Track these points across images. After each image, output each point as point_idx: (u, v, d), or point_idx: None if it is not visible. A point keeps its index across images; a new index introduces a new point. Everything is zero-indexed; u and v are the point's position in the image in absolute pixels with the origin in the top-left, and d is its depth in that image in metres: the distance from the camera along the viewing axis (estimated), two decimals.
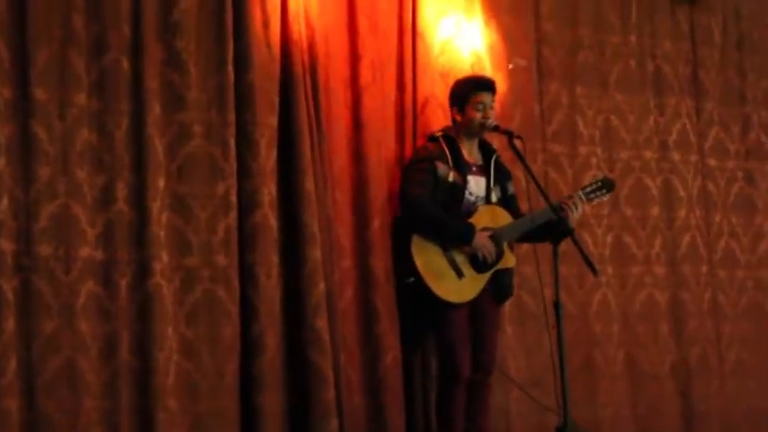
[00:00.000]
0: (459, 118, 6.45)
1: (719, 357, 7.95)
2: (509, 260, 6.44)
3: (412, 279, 6.24)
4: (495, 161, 6.51)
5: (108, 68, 5.79)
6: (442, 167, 6.30)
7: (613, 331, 7.49)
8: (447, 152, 6.36)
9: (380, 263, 6.44)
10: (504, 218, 6.40)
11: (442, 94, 6.68)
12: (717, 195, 8.17)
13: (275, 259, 6.07)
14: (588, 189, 6.51)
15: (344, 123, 6.52)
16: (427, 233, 6.23)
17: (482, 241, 6.24)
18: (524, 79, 7.29)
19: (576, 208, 6.34)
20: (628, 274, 7.65)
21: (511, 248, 6.46)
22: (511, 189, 6.59)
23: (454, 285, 6.25)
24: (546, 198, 6.15)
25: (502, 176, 6.55)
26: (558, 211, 6.23)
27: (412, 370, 6.57)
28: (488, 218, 6.35)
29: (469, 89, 6.45)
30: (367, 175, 6.50)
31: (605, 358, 7.43)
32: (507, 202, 6.54)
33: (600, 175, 7.12)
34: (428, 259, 6.23)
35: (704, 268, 7.98)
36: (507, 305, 6.81)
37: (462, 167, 6.37)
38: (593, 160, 7.57)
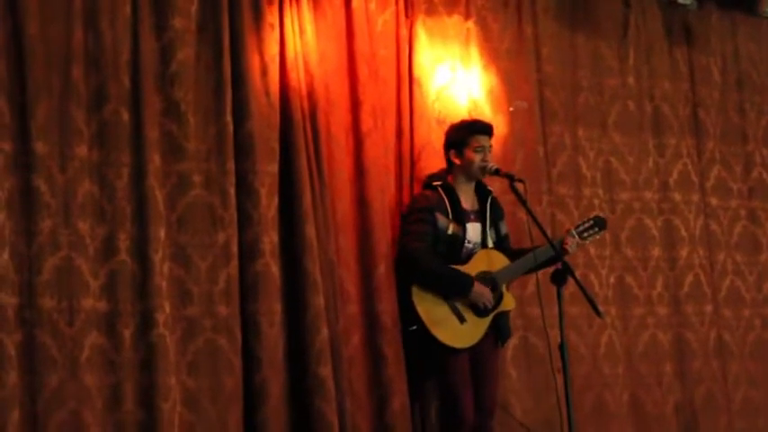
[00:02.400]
0: (458, 161, 6.46)
1: (727, 396, 7.92)
2: (508, 303, 6.46)
3: (415, 327, 6.24)
4: (491, 202, 6.52)
5: (108, 120, 5.80)
6: (441, 219, 6.33)
7: (618, 373, 7.46)
8: (446, 202, 6.38)
9: (387, 307, 6.42)
10: (500, 261, 6.41)
11: (438, 141, 6.68)
12: (720, 234, 8.16)
13: (278, 307, 6.07)
14: (581, 228, 6.54)
15: (347, 170, 6.53)
16: (426, 286, 6.24)
17: (480, 291, 6.25)
18: (525, 121, 7.31)
19: (573, 247, 6.44)
20: (630, 315, 7.63)
21: (508, 290, 6.48)
22: (504, 229, 6.60)
23: (457, 331, 6.25)
24: (549, 240, 6.14)
25: (496, 217, 6.56)
26: (559, 248, 6.28)
27: (412, 416, 6.52)
28: (485, 262, 6.36)
29: (468, 132, 6.47)
30: (371, 220, 6.49)
31: (614, 400, 7.39)
32: (501, 242, 6.55)
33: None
34: (430, 306, 6.24)
35: (709, 307, 7.96)
36: (513, 348, 6.80)
37: (461, 216, 6.39)
38: (596, 201, 7.58)
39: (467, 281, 6.24)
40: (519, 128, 7.25)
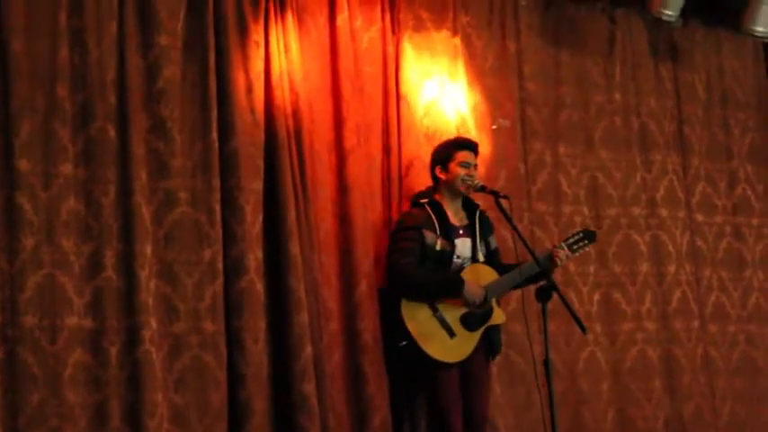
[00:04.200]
0: (443, 176, 6.49)
1: (714, 412, 7.92)
2: (499, 316, 6.46)
3: (405, 342, 6.23)
4: (480, 217, 6.55)
5: (94, 137, 5.81)
6: (429, 236, 6.34)
7: (602, 389, 7.47)
8: (434, 218, 6.39)
9: (368, 325, 6.44)
10: (488, 275, 6.42)
11: (426, 156, 6.70)
12: (706, 251, 8.19)
13: (262, 325, 6.08)
14: (571, 241, 6.55)
15: (330, 187, 6.54)
16: (419, 298, 6.25)
17: (472, 288, 6.27)
18: (508, 139, 7.33)
19: (563, 260, 6.44)
20: (618, 330, 7.64)
21: (498, 304, 6.48)
22: (493, 243, 6.63)
23: (447, 345, 6.26)
24: (534, 256, 6.17)
25: (486, 232, 6.58)
26: (547, 262, 6.32)
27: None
28: (472, 277, 6.36)
29: (453, 147, 6.53)
30: (353, 238, 6.50)
31: (594, 416, 7.39)
32: (491, 257, 6.57)
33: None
34: (419, 322, 6.24)
35: (695, 323, 7.97)
36: (496, 364, 6.81)
37: (449, 232, 6.40)
38: (578, 218, 7.58)
39: (457, 279, 6.27)
40: (502, 145, 7.27)
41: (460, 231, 6.47)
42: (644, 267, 7.84)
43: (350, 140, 6.60)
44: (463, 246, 6.45)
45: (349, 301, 6.44)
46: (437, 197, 6.51)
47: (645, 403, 7.65)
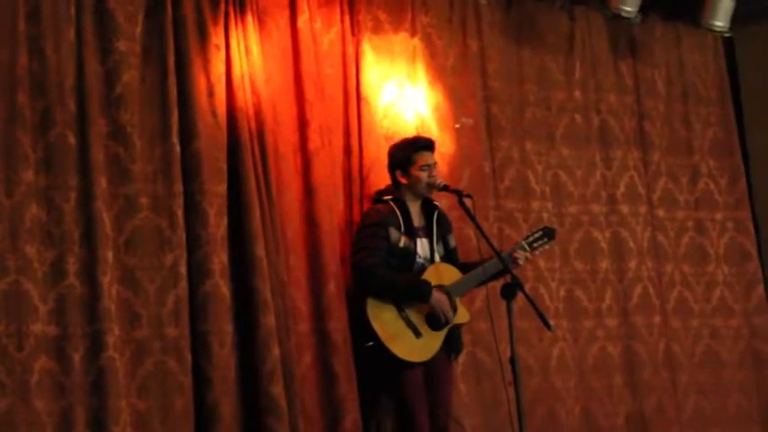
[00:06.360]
0: (404, 180, 6.47)
1: (677, 406, 7.95)
2: (463, 316, 6.46)
3: (371, 343, 6.23)
4: (438, 217, 6.54)
5: (54, 144, 5.78)
6: (393, 233, 6.33)
7: (570, 385, 7.49)
8: (399, 216, 6.39)
9: (338, 326, 6.43)
10: (449, 273, 6.43)
11: (386, 157, 6.67)
12: (668, 246, 8.21)
13: (228, 328, 6.06)
14: (531, 239, 6.55)
15: (296, 189, 6.53)
16: (384, 297, 6.24)
17: (439, 297, 6.26)
18: (472, 138, 7.33)
19: (524, 258, 6.44)
20: (580, 327, 7.65)
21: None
22: (452, 242, 6.63)
23: (413, 345, 6.25)
24: (497, 254, 6.16)
25: (443, 231, 6.58)
26: (509, 262, 6.31)
27: None
28: (434, 277, 6.36)
29: (412, 151, 6.49)
30: (320, 239, 6.50)
31: (566, 413, 7.41)
32: (449, 255, 6.58)
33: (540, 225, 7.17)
34: (384, 321, 6.23)
35: (657, 318, 8.00)
36: (462, 363, 6.82)
37: (412, 232, 6.40)
38: (545, 215, 7.60)
39: (426, 287, 6.26)
40: (465, 144, 7.28)
41: (419, 232, 6.47)
42: (604, 264, 7.87)
43: (314, 142, 6.60)
44: (422, 247, 6.45)
45: (318, 302, 6.44)
46: (402, 197, 6.49)
47: (606, 399, 7.67)
